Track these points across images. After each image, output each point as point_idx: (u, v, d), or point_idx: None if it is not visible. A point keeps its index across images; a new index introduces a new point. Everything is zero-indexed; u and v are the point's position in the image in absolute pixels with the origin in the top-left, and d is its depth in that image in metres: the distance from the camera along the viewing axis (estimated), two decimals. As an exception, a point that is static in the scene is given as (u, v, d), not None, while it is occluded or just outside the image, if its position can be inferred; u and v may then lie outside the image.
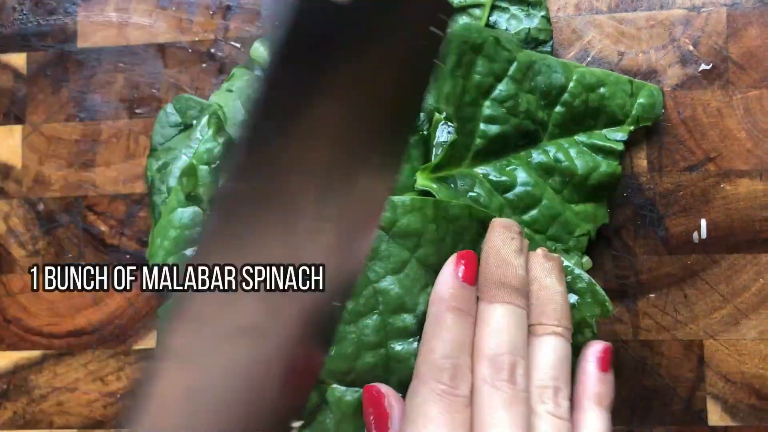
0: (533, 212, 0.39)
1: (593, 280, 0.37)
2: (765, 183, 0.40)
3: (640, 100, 0.40)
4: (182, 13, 0.45)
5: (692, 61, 0.41)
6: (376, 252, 0.36)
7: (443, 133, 0.38)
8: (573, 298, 0.37)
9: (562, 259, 0.37)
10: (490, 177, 0.39)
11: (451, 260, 0.35)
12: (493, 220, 0.36)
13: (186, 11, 0.45)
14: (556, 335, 0.34)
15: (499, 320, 0.33)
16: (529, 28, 0.41)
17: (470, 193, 0.39)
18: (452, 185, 0.38)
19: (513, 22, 0.41)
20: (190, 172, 0.40)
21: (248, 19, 0.44)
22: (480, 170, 0.39)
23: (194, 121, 0.42)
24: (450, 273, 0.34)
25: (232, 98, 0.40)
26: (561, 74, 0.39)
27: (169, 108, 0.43)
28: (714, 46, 0.41)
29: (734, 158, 0.40)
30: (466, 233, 0.36)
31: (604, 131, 0.40)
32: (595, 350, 0.36)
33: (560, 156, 0.39)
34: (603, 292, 0.37)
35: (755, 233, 0.40)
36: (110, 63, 0.45)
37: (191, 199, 0.40)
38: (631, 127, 0.40)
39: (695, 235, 0.40)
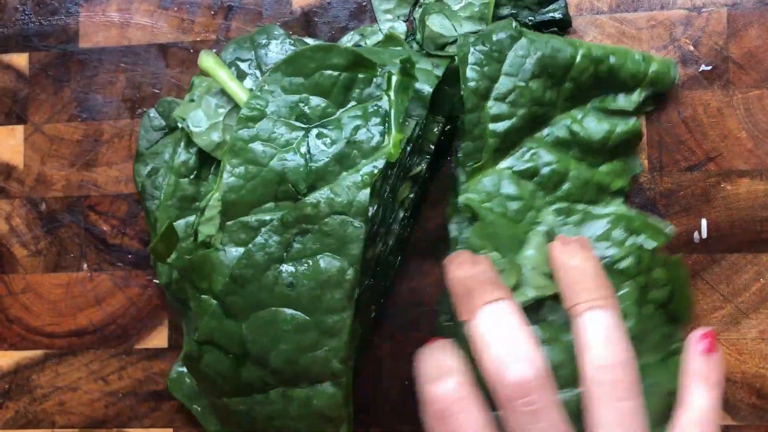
0: (565, 186, 0.39)
1: (643, 213, 0.38)
2: (765, 183, 0.40)
3: (653, 68, 0.40)
4: (184, 14, 0.45)
5: (693, 61, 0.41)
6: None
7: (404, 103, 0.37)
8: (640, 238, 0.38)
9: (585, 237, 0.37)
10: (515, 168, 0.39)
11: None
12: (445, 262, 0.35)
13: (187, 11, 0.45)
14: (595, 309, 0.33)
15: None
16: None
17: (501, 191, 0.38)
18: (484, 187, 0.38)
19: None
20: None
21: (250, 19, 0.44)
22: (503, 165, 0.39)
23: (179, 125, 0.42)
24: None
25: (193, 107, 0.40)
26: (566, 52, 0.39)
27: (152, 112, 0.43)
28: (714, 47, 0.41)
29: (735, 158, 0.40)
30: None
31: (618, 96, 0.40)
32: (698, 336, 0.36)
33: (575, 128, 0.39)
34: (656, 221, 0.38)
35: (756, 233, 0.40)
36: (112, 63, 0.45)
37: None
38: (646, 92, 0.40)
39: (696, 234, 0.41)
